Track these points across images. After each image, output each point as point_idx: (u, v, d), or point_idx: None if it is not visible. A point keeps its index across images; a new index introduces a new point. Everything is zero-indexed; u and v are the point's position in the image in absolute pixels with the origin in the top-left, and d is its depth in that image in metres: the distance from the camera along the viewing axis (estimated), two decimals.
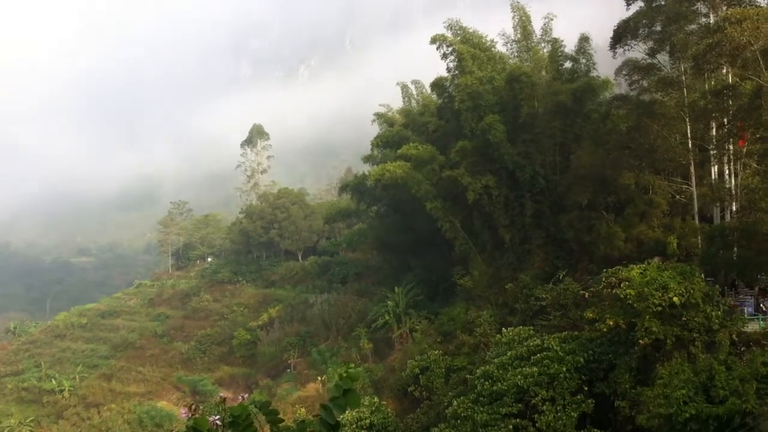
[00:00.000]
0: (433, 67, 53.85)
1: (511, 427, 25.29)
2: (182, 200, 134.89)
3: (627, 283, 26.19)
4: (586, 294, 33.24)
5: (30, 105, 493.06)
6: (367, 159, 65.58)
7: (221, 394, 3.94)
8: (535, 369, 26.72)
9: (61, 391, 73.58)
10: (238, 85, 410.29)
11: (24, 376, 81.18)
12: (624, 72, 36.07)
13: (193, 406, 3.50)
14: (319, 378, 51.45)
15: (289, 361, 64.14)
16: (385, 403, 36.81)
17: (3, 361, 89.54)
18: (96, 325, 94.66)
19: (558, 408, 25.13)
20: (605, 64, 42.95)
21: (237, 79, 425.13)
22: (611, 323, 26.61)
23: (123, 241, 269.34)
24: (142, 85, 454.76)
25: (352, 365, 4.32)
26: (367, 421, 33.17)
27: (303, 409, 40.53)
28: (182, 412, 3.49)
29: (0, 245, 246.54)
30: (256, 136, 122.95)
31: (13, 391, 78.05)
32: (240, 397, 3.82)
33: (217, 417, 3.56)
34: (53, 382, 75.83)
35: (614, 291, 26.78)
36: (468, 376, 32.87)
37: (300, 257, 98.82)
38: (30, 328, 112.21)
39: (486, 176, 42.71)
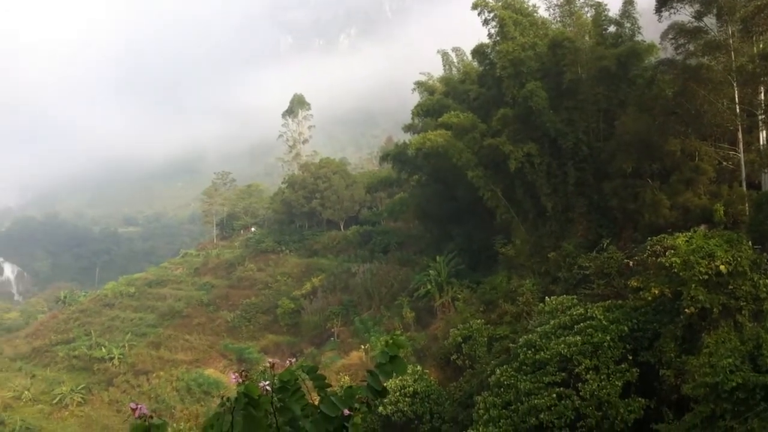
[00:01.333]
0: (474, 33, 53.29)
1: (554, 395, 25.30)
2: (225, 171, 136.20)
3: (672, 251, 25.85)
4: (631, 262, 32.89)
5: (77, 80, 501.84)
6: (408, 128, 65.36)
7: (270, 360, 4.01)
8: (578, 338, 26.62)
9: (111, 358, 75.44)
10: (279, 55, 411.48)
11: (75, 344, 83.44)
12: (670, 36, 35.21)
13: (243, 372, 3.59)
14: (362, 346, 51.96)
15: (332, 330, 64.83)
16: (427, 371, 37.08)
17: (54, 330, 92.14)
18: (143, 294, 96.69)
19: (602, 377, 25.05)
20: (650, 28, 41.98)
21: (278, 50, 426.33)
22: (656, 292, 26.33)
23: (168, 212, 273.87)
24: (185, 59, 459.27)
25: (398, 332, 4.37)
26: (411, 389, 33.49)
27: (347, 377, 41.00)
28: (232, 378, 3.58)
29: (49, 216, 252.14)
30: (296, 106, 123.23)
31: (65, 359, 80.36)
32: (288, 362, 3.89)
33: (267, 382, 3.65)
34: (103, 350, 77.79)
35: (659, 259, 26.46)
36: (511, 344, 32.90)
37: (342, 227, 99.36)
38: (80, 297, 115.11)
39: (528, 144, 42.27)
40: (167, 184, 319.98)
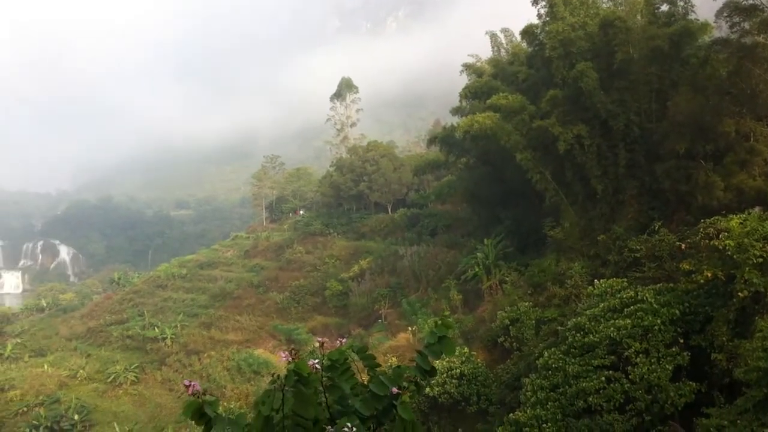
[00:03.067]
0: (524, 14, 52.70)
1: (603, 378, 25.13)
2: (275, 154, 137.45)
3: (726, 233, 25.35)
4: (683, 245, 32.30)
5: (130, 65, 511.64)
6: (456, 111, 65.02)
7: (319, 339, 4.10)
8: (628, 321, 26.34)
9: (164, 338, 77.05)
10: (327, 39, 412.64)
11: (128, 324, 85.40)
12: (724, 14, 34.31)
13: (293, 350, 3.66)
14: (410, 328, 52.17)
15: (379, 312, 65.21)
16: (475, 353, 37.17)
17: (108, 310, 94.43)
18: (195, 275, 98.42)
19: (652, 360, 24.78)
20: (704, 7, 40.96)
21: (326, 33, 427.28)
22: (709, 275, 25.87)
23: (219, 195, 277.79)
24: (236, 42, 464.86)
25: (447, 313, 4.41)
26: (458, 370, 33.62)
27: (394, 358, 41.26)
28: (282, 356, 3.65)
29: (103, 200, 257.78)
30: (344, 89, 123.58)
31: (119, 339, 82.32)
32: (338, 342, 3.96)
33: (316, 361, 3.71)
34: (156, 330, 79.48)
35: (712, 242, 25.97)
36: (559, 327, 32.73)
37: (389, 209, 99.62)
38: (133, 278, 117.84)
39: (578, 126, 41.70)
40: (219, 168, 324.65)
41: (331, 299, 74.54)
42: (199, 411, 3.60)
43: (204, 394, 3.60)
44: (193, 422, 3.72)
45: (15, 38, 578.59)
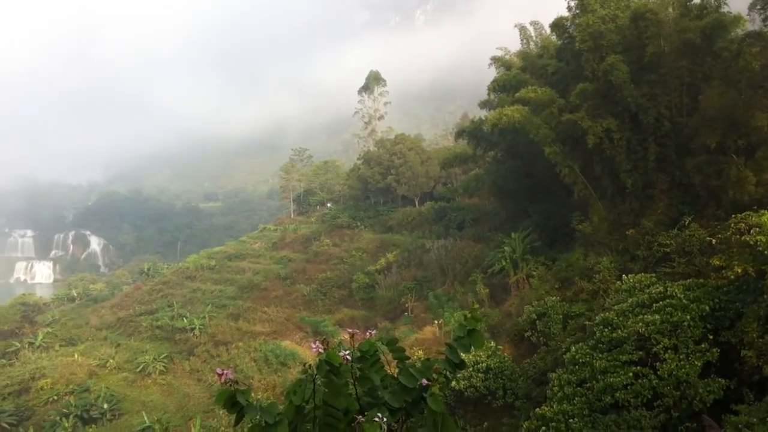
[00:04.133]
0: (553, 6, 52.33)
1: (631, 374, 24.96)
2: (302, 147, 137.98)
3: (758, 228, 25.04)
4: (713, 240, 31.94)
5: (160, 58, 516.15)
6: (484, 104, 64.74)
7: (350, 330, 4.14)
8: (657, 316, 26.12)
9: (192, 329, 77.88)
10: (356, 32, 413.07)
11: (157, 314, 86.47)
12: (758, 7, 33.86)
13: (324, 340, 3.71)
14: (436, 322, 52.18)
15: (406, 305, 65.28)
16: (501, 347, 37.08)
17: (138, 301, 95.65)
18: (223, 267, 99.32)
19: (681, 356, 24.56)
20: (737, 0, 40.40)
21: (355, 26, 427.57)
22: (739, 271, 25.59)
23: (247, 187, 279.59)
24: (266, 36, 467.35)
25: (477, 306, 4.42)
26: (484, 364, 33.57)
27: (420, 351, 41.35)
28: (313, 347, 3.69)
29: (134, 191, 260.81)
30: (372, 82, 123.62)
31: (148, 329, 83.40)
32: (368, 333, 3.99)
33: (347, 352, 3.75)
34: (185, 320, 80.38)
35: (743, 237, 25.65)
36: (586, 322, 32.56)
37: (417, 203, 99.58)
38: (162, 269, 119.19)
39: (607, 119, 41.34)
40: (247, 160, 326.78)
41: (357, 292, 74.78)
42: (232, 399, 3.61)
43: (236, 382, 3.62)
44: (223, 411, 3.77)
45: (49, 30, 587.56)
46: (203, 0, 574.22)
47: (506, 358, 34.91)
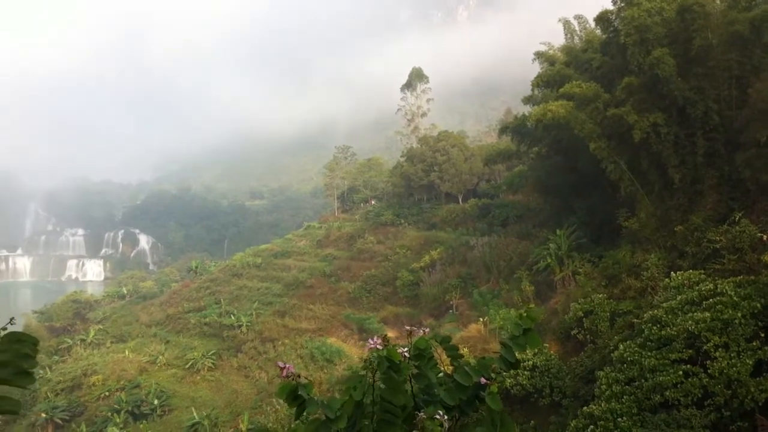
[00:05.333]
0: (598, 0, 51.75)
1: (681, 372, 24.65)
2: (346, 145, 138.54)
3: None
4: (765, 236, 31.33)
5: (208, 57, 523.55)
6: (527, 100, 64.28)
7: (407, 327, 4.21)
8: (707, 314, 25.73)
9: (239, 326, 78.83)
10: (399, 28, 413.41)
11: (205, 312, 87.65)
12: None
13: (384, 336, 3.78)
14: (481, 319, 51.99)
15: (450, 302, 65.21)
16: (547, 345, 36.88)
17: (186, 298, 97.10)
18: (269, 264, 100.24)
19: (732, 354, 24.17)
20: None
21: (398, 23, 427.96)
22: None
23: (292, 185, 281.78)
24: (312, 34, 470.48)
25: (531, 305, 4.47)
26: (530, 362, 33.44)
27: (466, 349, 41.29)
28: (371, 343, 3.75)
29: (182, 190, 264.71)
30: (415, 79, 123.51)
31: (196, 326, 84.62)
32: (422, 331, 4.06)
33: (406, 349, 3.84)
34: (232, 317, 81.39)
35: None
36: (634, 320, 32.20)
37: (460, 200, 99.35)
38: (210, 267, 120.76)
39: (654, 114, 40.73)
40: (293, 158, 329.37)
41: (402, 289, 74.92)
42: (293, 393, 3.68)
43: (298, 376, 3.70)
44: (271, 408, 3.87)
45: (100, 29, 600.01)
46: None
47: (552, 356, 34.71)
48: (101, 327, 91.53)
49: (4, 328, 2.99)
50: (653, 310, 29.13)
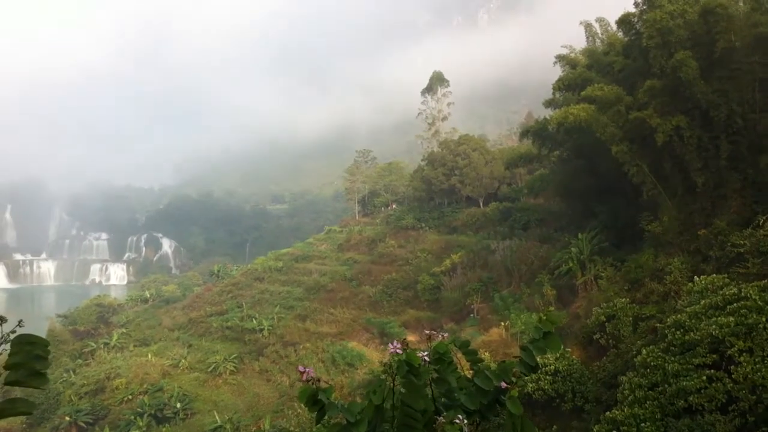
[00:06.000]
0: (619, 3, 51.51)
1: (704, 377, 24.42)
2: (366, 149, 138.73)
3: None
4: None
5: (229, 63, 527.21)
6: (549, 103, 64.09)
7: (427, 331, 4.23)
8: (731, 318, 25.49)
9: (261, 330, 79.04)
10: (419, 32, 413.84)
11: (227, 315, 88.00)
12: None
13: (404, 341, 3.79)
14: (502, 323, 51.87)
15: (471, 306, 65.07)
16: (569, 350, 36.69)
17: (209, 302, 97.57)
18: (291, 268, 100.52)
19: (757, 359, 23.90)
20: None
21: (418, 27, 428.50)
22: None
23: (313, 189, 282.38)
24: (332, 38, 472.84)
25: (551, 308, 4.46)
26: (552, 367, 33.27)
27: (487, 353, 41.18)
28: (392, 347, 3.76)
29: (204, 195, 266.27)
30: (435, 83, 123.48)
31: (218, 330, 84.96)
32: (441, 336, 4.06)
33: (426, 353, 3.85)
34: (254, 321, 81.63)
35: None
36: (658, 325, 31.94)
37: (481, 203, 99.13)
38: (232, 271, 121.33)
39: (677, 117, 40.47)
40: (314, 162, 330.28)
41: (423, 293, 74.86)
42: (314, 397, 3.68)
43: (318, 380, 3.71)
44: (293, 412, 3.89)
45: (121, 35, 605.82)
46: (272, 3, 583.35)
47: (575, 361, 34.52)
48: (124, 331, 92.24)
49: (13, 331, 3.01)
50: (676, 315, 28.90)
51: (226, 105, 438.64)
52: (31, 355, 2.95)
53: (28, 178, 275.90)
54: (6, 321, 2.99)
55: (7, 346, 2.93)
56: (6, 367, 2.91)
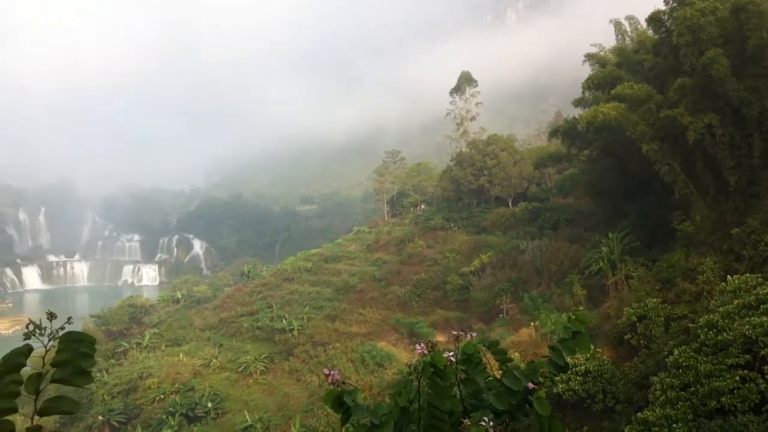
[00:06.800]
0: (649, 0, 51.05)
1: (737, 378, 24.16)
2: (395, 149, 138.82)
3: None
4: None
5: (259, 65, 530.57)
6: (578, 102, 63.67)
7: (454, 332, 4.25)
8: (764, 318, 25.18)
9: (291, 330, 79.45)
10: (448, 31, 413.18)
11: (258, 316, 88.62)
12: None
13: (429, 342, 3.81)
14: (532, 323, 51.65)
15: (501, 306, 64.85)
16: (600, 350, 36.46)
17: (239, 302, 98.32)
18: (320, 269, 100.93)
19: None
20: None
21: (447, 27, 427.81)
22: None
23: (342, 190, 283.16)
24: (361, 39, 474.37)
25: (581, 308, 4.47)
26: (582, 367, 33.10)
27: (517, 354, 41.04)
28: (418, 348, 3.79)
29: (234, 196, 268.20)
30: (464, 83, 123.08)
31: (249, 330, 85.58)
32: (469, 336, 4.07)
33: (451, 353, 3.87)
34: (283, 321, 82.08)
35: None
36: (690, 325, 31.64)
37: (510, 203, 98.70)
38: (262, 271, 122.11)
39: (708, 115, 40.01)
40: (342, 163, 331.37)
41: (451, 293, 74.75)
42: (339, 399, 3.67)
43: (343, 383, 3.69)
44: (323, 412, 3.91)
45: (149, 39, 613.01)
46: (303, 2, 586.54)
47: (605, 361, 34.30)
48: (156, 331, 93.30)
49: (62, 328, 2.97)
50: (709, 315, 28.61)
51: (255, 107, 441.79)
52: (77, 353, 2.95)
53: (60, 180, 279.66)
54: (56, 317, 2.98)
55: (55, 343, 2.94)
56: (53, 365, 2.90)
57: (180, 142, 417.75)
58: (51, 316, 3.00)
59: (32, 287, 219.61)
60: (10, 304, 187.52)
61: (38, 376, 2.81)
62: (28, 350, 2.84)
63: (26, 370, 2.80)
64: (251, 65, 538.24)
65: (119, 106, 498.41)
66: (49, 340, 2.91)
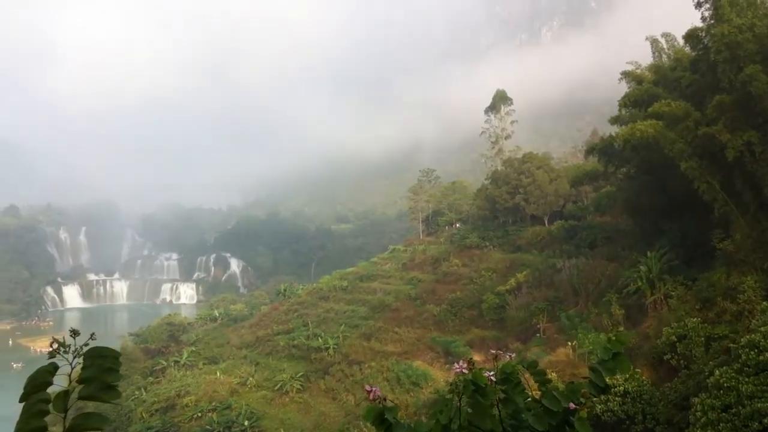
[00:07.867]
0: (686, 17, 50.78)
1: None
2: (430, 168, 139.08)
3: None
4: None
5: (295, 84, 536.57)
6: (615, 120, 63.28)
7: (493, 351, 4.30)
8: None
9: (326, 348, 79.57)
10: (483, 51, 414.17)
11: (294, 334, 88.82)
12: None
13: (469, 360, 3.88)
14: (569, 343, 51.15)
15: (537, 326, 64.33)
16: (639, 370, 36.04)
17: (275, 321, 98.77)
18: (355, 287, 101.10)
19: None
20: None
21: (481, 46, 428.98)
22: None
23: (377, 209, 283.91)
24: (397, 58, 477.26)
25: (621, 328, 4.52)
26: (621, 388, 32.76)
27: (554, 374, 40.69)
28: (457, 367, 3.86)
29: (270, 215, 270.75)
30: (499, 102, 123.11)
31: (285, 348, 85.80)
32: (507, 356, 4.15)
33: (491, 373, 3.94)
34: (319, 340, 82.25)
35: None
36: (731, 345, 31.16)
37: (546, 222, 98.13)
38: (298, 290, 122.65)
39: (748, 132, 39.56)
40: (377, 182, 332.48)
41: (487, 312, 74.32)
42: (380, 417, 3.66)
43: (385, 399, 3.70)
44: (361, 430, 3.95)
45: (188, 56, 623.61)
46: (336, 25, 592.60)
47: (645, 382, 33.90)
48: (194, 349, 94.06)
49: (86, 344, 3.01)
50: (751, 335, 28.18)
51: (291, 126, 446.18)
52: (102, 369, 2.98)
53: (101, 199, 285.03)
54: (79, 334, 3.03)
55: (81, 360, 2.96)
56: (79, 381, 2.95)
57: (219, 161, 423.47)
58: (74, 333, 3.05)
59: (73, 305, 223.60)
60: (51, 323, 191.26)
61: (65, 394, 2.86)
62: (54, 368, 2.88)
63: (54, 389, 2.83)
64: (289, 85, 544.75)
65: (159, 126, 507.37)
66: (74, 358, 2.95)
